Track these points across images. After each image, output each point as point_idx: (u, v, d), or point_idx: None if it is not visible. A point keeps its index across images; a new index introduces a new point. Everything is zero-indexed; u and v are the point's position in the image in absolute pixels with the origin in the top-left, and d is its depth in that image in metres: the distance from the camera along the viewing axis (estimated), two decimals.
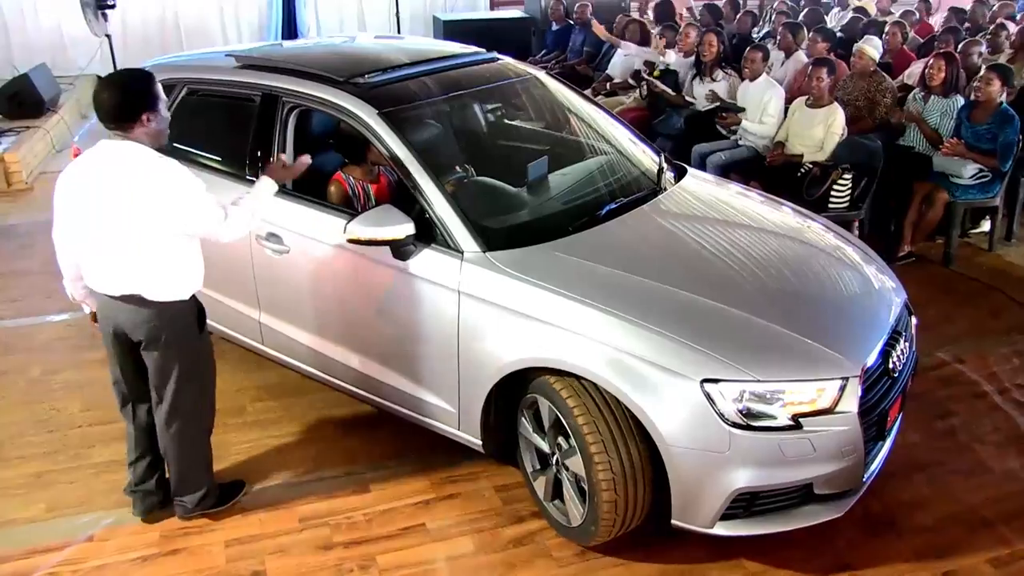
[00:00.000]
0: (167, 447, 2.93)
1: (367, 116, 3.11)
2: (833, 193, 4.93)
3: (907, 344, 2.99)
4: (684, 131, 6.01)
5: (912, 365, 3.05)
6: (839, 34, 7.08)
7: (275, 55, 3.72)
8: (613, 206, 3.21)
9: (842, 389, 2.57)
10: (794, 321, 2.72)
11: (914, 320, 3.18)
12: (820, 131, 5.15)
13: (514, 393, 2.91)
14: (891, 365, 2.81)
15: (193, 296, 2.80)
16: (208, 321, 3.32)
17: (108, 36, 7.95)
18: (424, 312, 2.95)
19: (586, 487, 2.68)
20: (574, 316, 2.65)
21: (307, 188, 3.39)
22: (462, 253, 2.86)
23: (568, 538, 2.89)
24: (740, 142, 5.61)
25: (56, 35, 9.94)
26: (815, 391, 2.56)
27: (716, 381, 2.49)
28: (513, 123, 4.05)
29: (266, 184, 2.91)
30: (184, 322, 2.77)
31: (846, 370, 2.60)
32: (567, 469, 2.78)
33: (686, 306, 2.71)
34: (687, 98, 6.22)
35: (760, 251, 3.09)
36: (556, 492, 2.91)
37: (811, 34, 6.46)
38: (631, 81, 7.01)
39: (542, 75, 3.98)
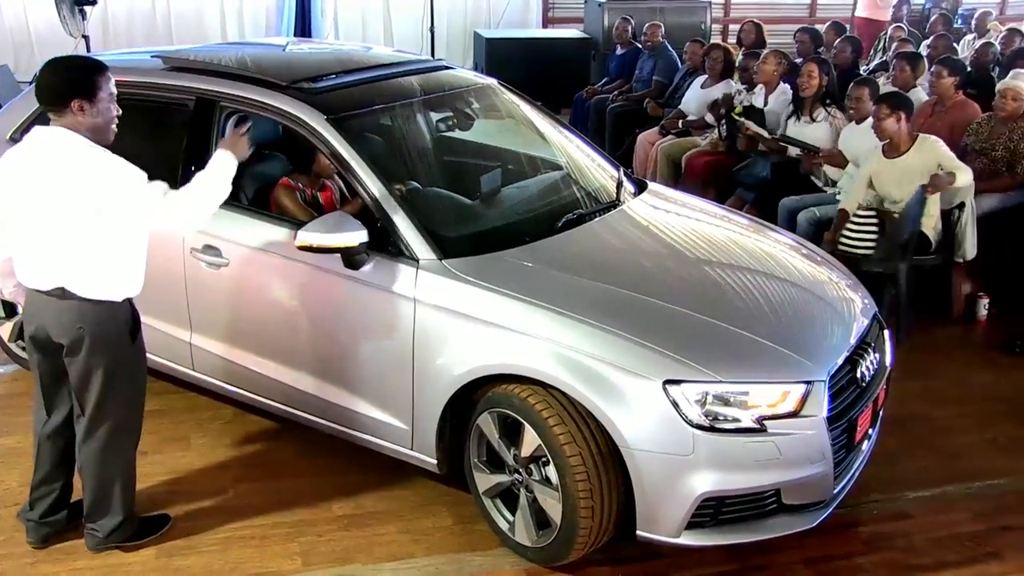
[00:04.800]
0: (84, 464, 3.34)
1: (315, 122, 3.66)
2: None
3: (877, 356, 3.63)
4: (770, 181, 6.18)
5: (884, 378, 3.68)
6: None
7: (208, 57, 4.26)
8: (571, 217, 3.81)
9: (807, 393, 3.16)
10: (758, 326, 3.33)
11: (886, 332, 3.84)
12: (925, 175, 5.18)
13: (464, 412, 3.43)
14: (859, 374, 3.43)
15: (128, 301, 3.21)
16: None
17: (86, 37, 8.35)
18: (376, 323, 3.49)
19: (560, 500, 3.17)
20: (534, 320, 3.21)
21: (247, 198, 3.95)
22: (417, 261, 3.41)
23: (520, 554, 3.43)
24: (839, 197, 5.69)
25: (22, 34, 10.45)
26: (779, 394, 3.14)
27: (678, 382, 3.05)
28: (466, 133, 4.68)
29: (224, 157, 3.23)
30: (113, 327, 3.15)
31: (811, 374, 3.20)
32: (531, 473, 3.29)
33: (648, 310, 3.30)
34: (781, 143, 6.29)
35: (723, 259, 3.74)
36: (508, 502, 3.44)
37: (934, 67, 6.32)
38: (708, 119, 7.17)
39: (495, 84, 4.62)
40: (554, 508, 3.24)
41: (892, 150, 5.29)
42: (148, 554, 3.49)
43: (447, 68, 4.58)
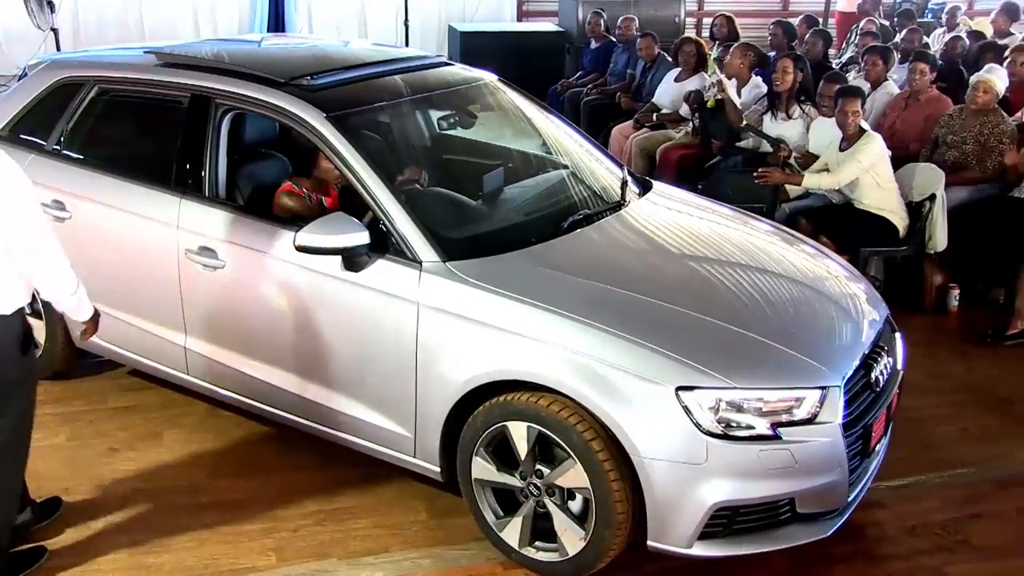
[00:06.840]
0: None
1: (314, 120, 3.55)
2: None
3: (890, 360, 3.55)
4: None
5: (896, 382, 3.61)
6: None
7: (201, 53, 4.15)
8: (577, 218, 3.72)
9: (822, 399, 3.07)
10: (770, 330, 3.23)
11: (898, 336, 3.76)
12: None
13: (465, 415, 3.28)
14: (873, 379, 3.35)
15: (19, 313, 2.95)
16: (118, 350, 3.68)
17: (55, 30, 8.24)
18: (378, 327, 3.37)
19: (592, 505, 3.05)
20: (542, 325, 3.10)
21: (243, 198, 3.84)
22: (420, 263, 3.31)
23: (500, 549, 3.34)
24: (812, 189, 5.73)
25: None
26: (794, 400, 3.06)
27: (691, 389, 2.96)
28: (468, 131, 4.57)
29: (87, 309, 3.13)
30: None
31: (826, 380, 3.11)
32: (552, 494, 3.16)
33: (658, 314, 3.20)
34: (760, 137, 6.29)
35: (733, 262, 3.64)
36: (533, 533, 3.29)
37: (914, 63, 6.43)
38: (683, 112, 7.21)
39: (495, 80, 4.52)
40: (573, 541, 3.16)
41: (846, 142, 5.41)
42: (120, 553, 3.43)
43: (447, 64, 4.48)
